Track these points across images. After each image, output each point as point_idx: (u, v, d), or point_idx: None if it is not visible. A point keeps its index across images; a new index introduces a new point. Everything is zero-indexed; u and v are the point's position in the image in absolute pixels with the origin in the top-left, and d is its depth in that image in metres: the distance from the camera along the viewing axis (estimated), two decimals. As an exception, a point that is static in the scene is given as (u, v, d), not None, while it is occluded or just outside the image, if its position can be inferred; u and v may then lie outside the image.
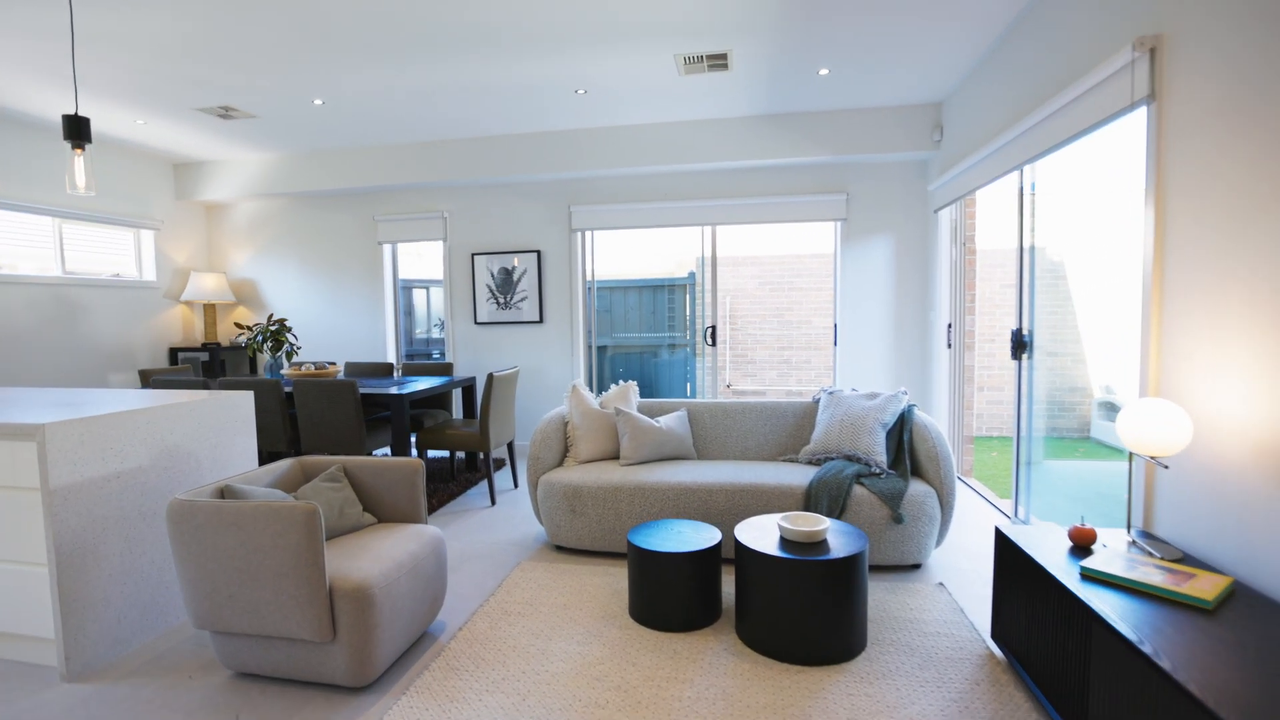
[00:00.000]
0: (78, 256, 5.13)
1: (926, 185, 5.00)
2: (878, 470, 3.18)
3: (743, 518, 3.14)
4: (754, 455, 3.75)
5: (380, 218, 5.86)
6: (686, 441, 3.69)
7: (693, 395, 6.76)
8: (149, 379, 4.64)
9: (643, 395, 7.94)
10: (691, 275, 8.18)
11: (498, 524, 3.89)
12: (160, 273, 5.73)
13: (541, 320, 5.72)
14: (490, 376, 4.18)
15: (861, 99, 4.55)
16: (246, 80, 3.95)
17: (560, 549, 3.46)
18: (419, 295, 7.18)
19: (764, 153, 4.91)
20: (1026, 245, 3.62)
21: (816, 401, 3.77)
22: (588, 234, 5.72)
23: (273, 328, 4.39)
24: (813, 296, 8.17)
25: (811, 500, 3.04)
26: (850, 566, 2.30)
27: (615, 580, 3.03)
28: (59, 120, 4.60)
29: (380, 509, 2.71)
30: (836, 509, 2.99)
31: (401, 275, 6.23)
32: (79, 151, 2.66)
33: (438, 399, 5.26)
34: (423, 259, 6.50)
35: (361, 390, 4.10)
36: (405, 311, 6.41)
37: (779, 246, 8.23)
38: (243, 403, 3.01)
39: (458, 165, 5.40)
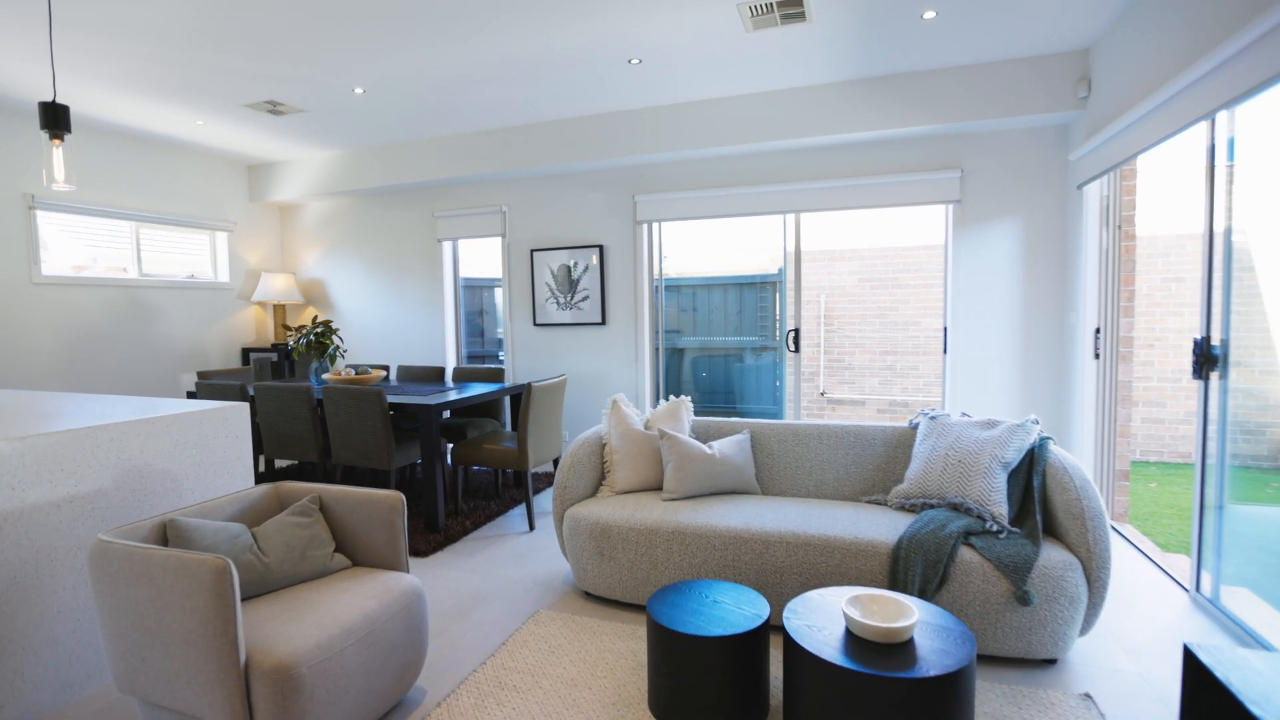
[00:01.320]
0: (155, 258, 5.23)
1: (1066, 154, 4.01)
2: (995, 527, 2.38)
3: (806, 579, 2.45)
4: (830, 492, 3.03)
5: (439, 214, 5.61)
6: (746, 472, 3.03)
7: (780, 404, 6.04)
8: (208, 378, 4.60)
9: (725, 404, 7.28)
10: (781, 271, 7.47)
11: (529, 556, 3.41)
12: (234, 274, 5.78)
13: (604, 321, 5.23)
14: (529, 387, 3.72)
15: (979, 50, 3.67)
16: (283, 69, 3.72)
17: (588, 595, 2.92)
18: (497, 295, 6.94)
19: (855, 124, 4.12)
20: (1219, 227, 2.66)
21: (914, 427, 2.99)
22: (654, 226, 5.16)
23: (316, 329, 4.18)
24: (922, 295, 7.16)
25: (900, 564, 2.30)
26: (947, 688, 1.58)
27: (642, 647, 2.45)
28: (134, 126, 4.65)
29: (356, 550, 2.29)
30: (934, 579, 2.24)
31: (473, 274, 5.96)
32: (57, 142, 2.44)
33: (487, 408, 4.90)
34: (495, 258, 6.21)
35: (391, 399, 3.77)
36: (479, 312, 6.15)
37: (881, 237, 7.28)
38: (234, 415, 2.71)
39: (514, 154, 5.01)
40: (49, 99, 4.07)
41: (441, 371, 4.97)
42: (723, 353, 7.30)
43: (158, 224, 5.19)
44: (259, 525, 2.24)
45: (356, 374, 4.25)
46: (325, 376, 4.16)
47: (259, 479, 4.33)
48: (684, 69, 3.89)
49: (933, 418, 2.87)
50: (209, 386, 4.08)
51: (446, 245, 5.73)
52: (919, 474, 2.70)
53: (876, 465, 2.99)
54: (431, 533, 3.63)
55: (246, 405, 2.76)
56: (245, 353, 5.77)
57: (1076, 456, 3.83)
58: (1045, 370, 4.14)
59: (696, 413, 7.28)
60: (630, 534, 2.70)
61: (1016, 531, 2.38)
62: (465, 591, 2.99)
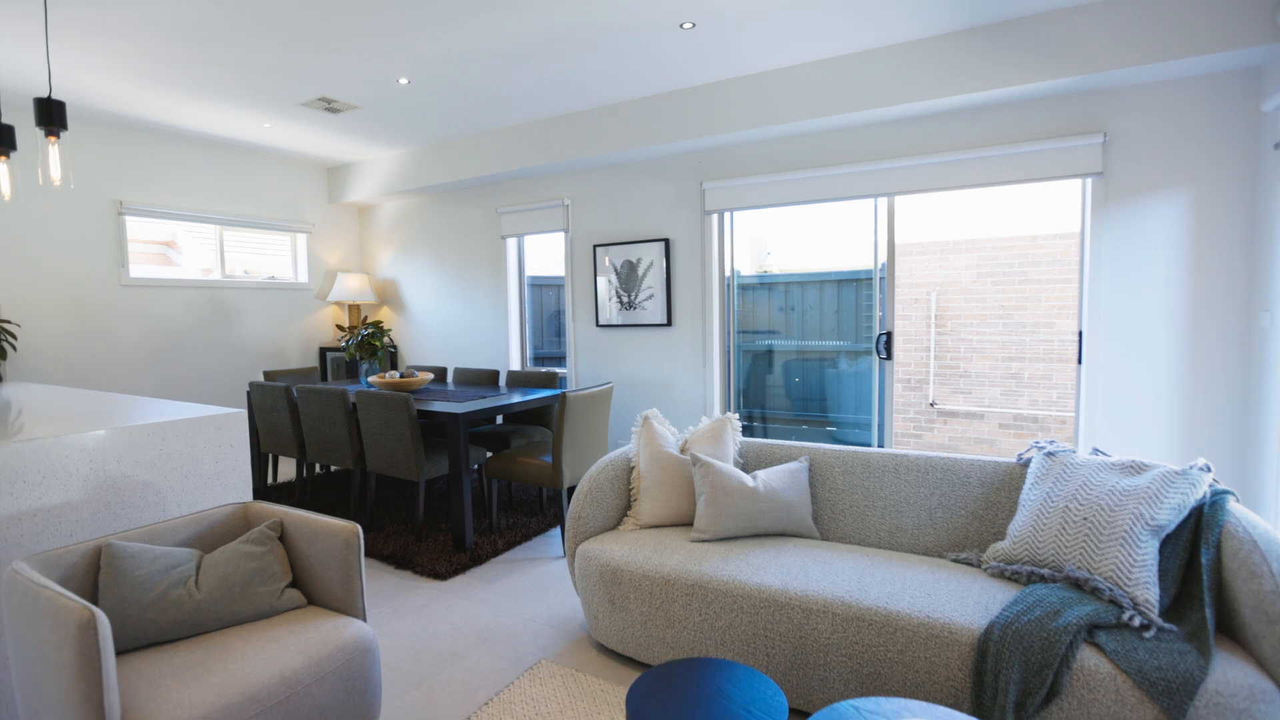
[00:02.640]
0: (237, 259, 5.41)
1: (1258, 105, 3.04)
2: (1137, 620, 1.68)
3: (856, 667, 1.87)
4: (907, 542, 2.39)
5: (502, 210, 5.39)
6: (799, 511, 2.46)
7: (882, 414, 5.26)
8: (274, 379, 4.65)
9: (819, 413, 6.59)
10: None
11: (552, 588, 3.03)
12: (312, 274, 5.90)
13: (669, 323, 4.77)
14: (563, 397, 3.35)
15: (1133, -27, 2.83)
16: (323, 61, 3.59)
17: (601, 647, 2.49)
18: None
19: (959, 85, 3.37)
20: None
21: (1024, 464, 2.29)
22: (725, 216, 4.62)
23: (365, 331, 4.06)
24: (1056, 292, 6.09)
25: (990, 663, 1.67)
26: None
27: (645, 730, 1.97)
28: (216, 134, 4.80)
29: (314, 587, 2.00)
30: (1038, 692, 1.59)
31: (545, 272, 5.73)
32: (53, 139, 2.36)
33: (540, 416, 4.60)
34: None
35: (420, 406, 3.54)
36: (558, 313, 5.92)
37: (1005, 224, 6.26)
38: (228, 424, 2.53)
39: (572, 143, 4.67)
40: (134, 109, 4.23)
41: (496, 375, 4.73)
42: (817, 356, 6.60)
43: (240, 227, 5.37)
44: (214, 551, 2.01)
45: (401, 376, 4.08)
46: (370, 379, 4.02)
47: (298, 485, 4.27)
48: (746, 32, 3.34)
49: (1050, 454, 2.16)
50: (261, 387, 4.06)
51: (511, 242, 5.51)
52: (1028, 530, 2.01)
53: (971, 511, 2.31)
54: (458, 552, 3.35)
55: (243, 413, 2.58)
56: (322, 352, 5.87)
57: (1272, 523, 2.88)
58: (1222, 394, 3.18)
59: (788, 421, 6.63)
60: (644, 582, 2.24)
61: (1172, 630, 1.66)
62: (470, 628, 2.66)
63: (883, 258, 4.15)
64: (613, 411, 5.09)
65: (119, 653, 1.71)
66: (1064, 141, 3.39)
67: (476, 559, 3.30)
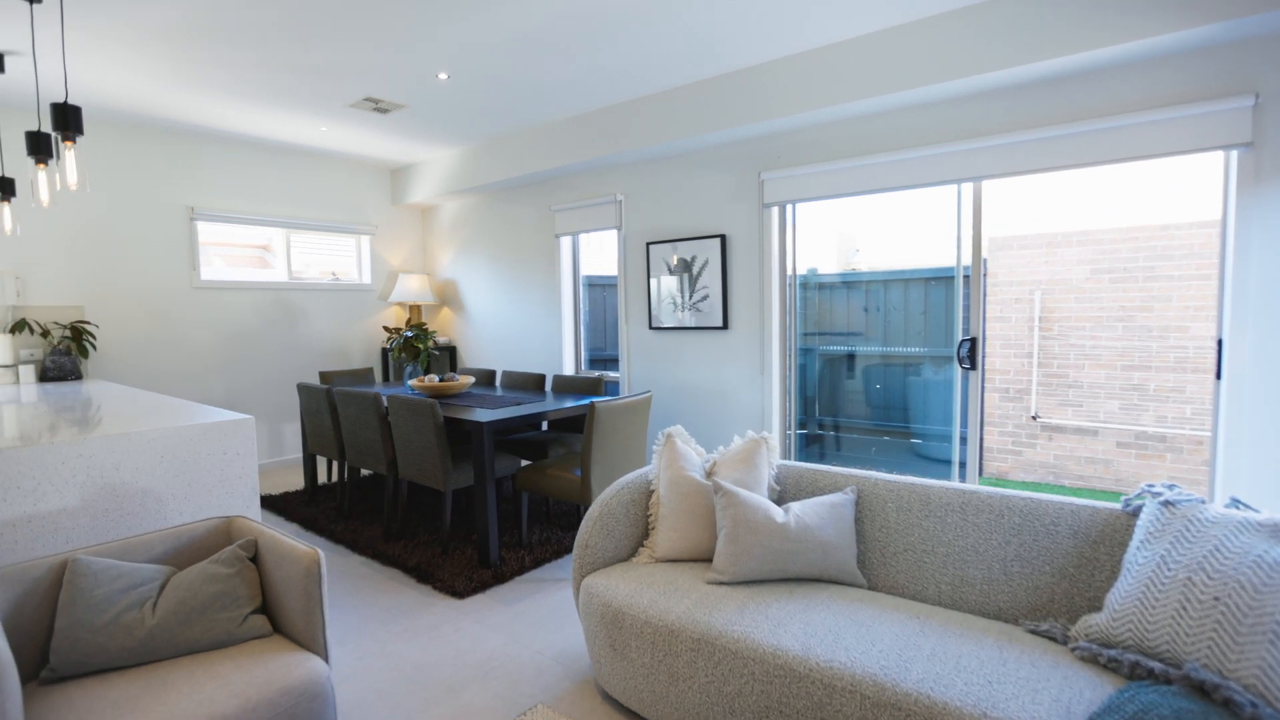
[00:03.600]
0: (302, 261, 5.56)
1: None
2: (1292, 754, 1.20)
3: (896, 765, 1.48)
4: (972, 601, 1.95)
5: (556, 207, 5.22)
6: (840, 552, 2.07)
7: (964, 430, 4.65)
8: (329, 379, 4.70)
9: (899, 422, 6.01)
10: (984, 261, 6.07)
11: (570, 614, 2.78)
12: (375, 275, 5.99)
13: (726, 325, 4.41)
14: (592, 408, 3.09)
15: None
16: (362, 60, 3.52)
17: (605, 694, 2.20)
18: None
19: (1059, 45, 2.82)
20: None
21: (1132, 513, 1.79)
22: (787, 210, 4.21)
23: (408, 333, 3.98)
24: (1191, 290, 5.24)
25: (1066, 790, 1.25)
26: None
27: (633, 811, 1.68)
28: (280, 139, 4.92)
29: (281, 614, 1.84)
30: (1137, 846, 1.15)
31: (602, 272, 5.54)
32: (69, 144, 2.35)
33: (579, 422, 4.37)
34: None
35: (447, 413, 3.39)
36: (616, 315, 5.73)
37: (1124, 212, 5.45)
38: (235, 432, 2.46)
39: (622, 134, 4.41)
40: (200, 117, 4.38)
41: (542, 380, 4.55)
42: (902, 362, 6.02)
43: (306, 230, 5.50)
44: (185, 570, 1.89)
45: (441, 380, 3.97)
46: (410, 382, 3.95)
47: (339, 488, 4.24)
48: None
49: (1169, 503, 1.67)
50: (306, 389, 4.08)
51: (565, 242, 5.33)
52: (1134, 604, 1.55)
53: (1058, 569, 1.84)
54: (482, 568, 3.18)
55: (251, 420, 2.50)
56: (384, 352, 5.95)
57: None
58: None
59: (866, 431, 6.08)
60: (646, 629, 1.93)
61: (1348, 774, 1.17)
62: (475, 656, 2.45)
63: (967, 253, 3.61)
64: (661, 421, 4.80)
65: (64, 679, 1.61)
66: (1202, 106, 2.75)
67: (500, 576, 3.10)
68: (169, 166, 4.72)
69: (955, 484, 2.10)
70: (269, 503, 4.28)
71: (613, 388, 5.30)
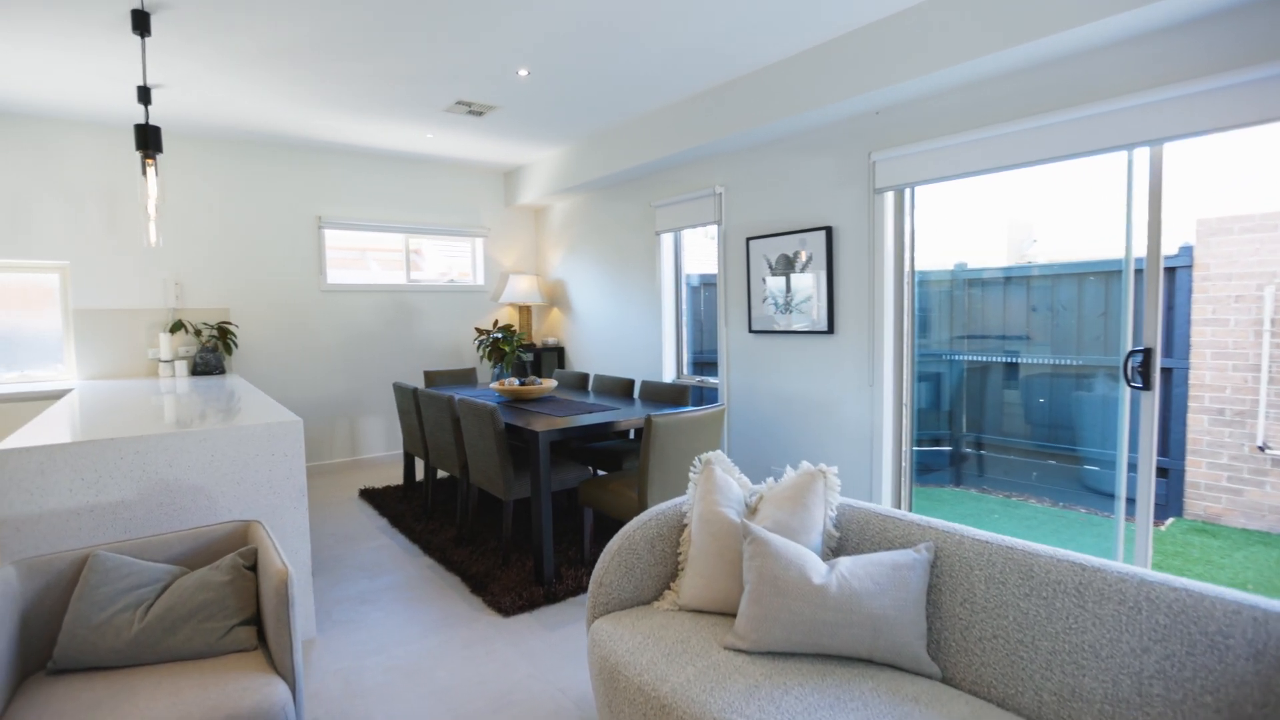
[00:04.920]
0: (420, 263, 5.83)
1: None
2: None
3: None
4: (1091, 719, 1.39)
5: (656, 204, 4.97)
6: (898, 628, 1.61)
7: (1133, 462, 3.71)
8: (433, 379, 4.86)
9: (1064, 444, 5.06)
10: (1189, 249, 5.12)
11: (610, 651, 2.52)
12: (488, 276, 6.15)
13: (831, 330, 3.90)
14: (648, 422, 2.81)
15: None
16: (445, 62, 3.52)
17: (614, 760, 1.91)
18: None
19: (1285, -58, 2.03)
20: None
21: (1357, 635, 1.16)
22: (904, 195, 3.61)
23: (496, 334, 3.97)
24: None
25: None
26: None
27: None
28: (394, 149, 5.20)
29: (269, 624, 1.78)
30: None
31: (710, 271, 5.24)
32: (150, 162, 2.52)
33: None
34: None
35: (517, 421, 3.27)
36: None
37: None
38: (283, 434, 2.51)
39: (717, 120, 4.06)
40: (323, 132, 4.72)
41: (631, 386, 4.34)
42: (1074, 373, 5.07)
43: (424, 234, 5.77)
44: (199, 568, 1.90)
45: (521, 384, 3.90)
46: (492, 385, 3.92)
47: (424, 488, 4.30)
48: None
49: None
50: (399, 389, 4.22)
51: (666, 239, 5.07)
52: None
53: (1225, 700, 1.25)
54: (536, 585, 3.02)
55: (299, 423, 2.54)
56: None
57: None
58: None
59: (1024, 453, 5.18)
60: (638, 697, 1.62)
61: None
62: (495, 686, 2.29)
63: (1140, 240, 2.82)
64: (759, 436, 4.37)
65: (58, 672, 1.66)
66: None
67: (552, 595, 2.93)
68: (300, 179, 5.16)
69: (1074, 555, 1.54)
70: (369, 495, 4.49)
71: (712, 394, 4.95)
